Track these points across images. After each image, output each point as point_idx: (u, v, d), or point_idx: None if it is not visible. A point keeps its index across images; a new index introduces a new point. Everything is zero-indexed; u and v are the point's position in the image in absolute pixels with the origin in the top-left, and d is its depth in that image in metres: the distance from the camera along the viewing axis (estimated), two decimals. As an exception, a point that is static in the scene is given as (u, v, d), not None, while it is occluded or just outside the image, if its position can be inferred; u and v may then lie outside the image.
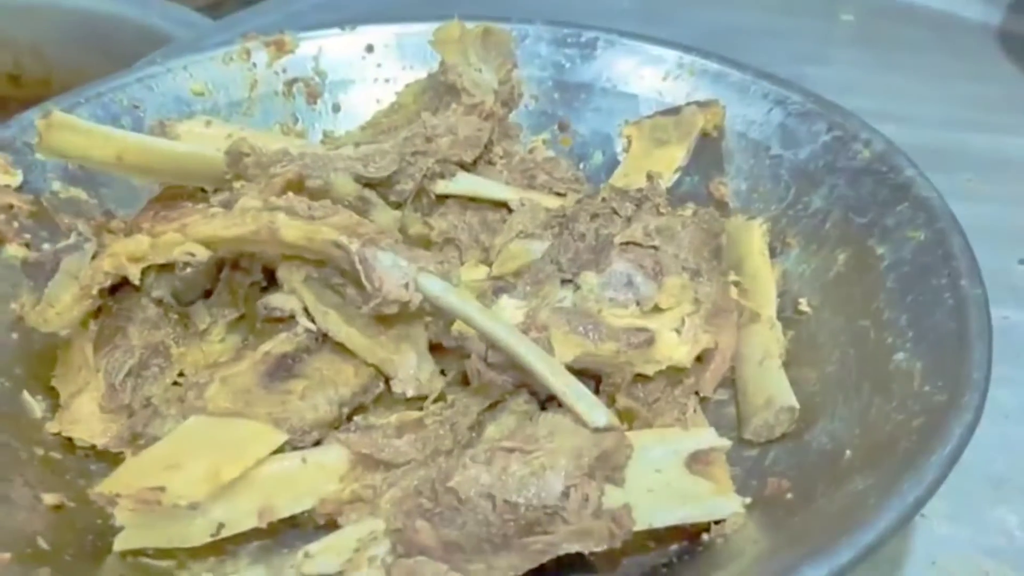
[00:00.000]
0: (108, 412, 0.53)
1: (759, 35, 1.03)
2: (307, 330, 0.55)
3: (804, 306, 0.60)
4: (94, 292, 0.54)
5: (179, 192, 0.62)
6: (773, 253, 0.63)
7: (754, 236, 0.63)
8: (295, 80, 0.76)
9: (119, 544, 0.48)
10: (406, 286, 0.51)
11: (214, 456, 0.48)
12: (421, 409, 0.53)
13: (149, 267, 0.55)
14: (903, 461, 0.43)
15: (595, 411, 0.48)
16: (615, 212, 0.56)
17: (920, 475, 0.41)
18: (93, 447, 0.53)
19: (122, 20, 1.16)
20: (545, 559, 0.46)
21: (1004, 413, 0.59)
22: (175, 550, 0.49)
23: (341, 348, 0.54)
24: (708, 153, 0.70)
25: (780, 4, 1.12)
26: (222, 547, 0.50)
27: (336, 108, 0.77)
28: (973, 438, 0.44)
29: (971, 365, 0.46)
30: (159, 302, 0.56)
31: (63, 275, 0.55)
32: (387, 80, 0.77)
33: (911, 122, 0.79)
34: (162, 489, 0.45)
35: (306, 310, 0.55)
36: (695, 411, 0.53)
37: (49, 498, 0.49)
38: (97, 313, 0.56)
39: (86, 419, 0.53)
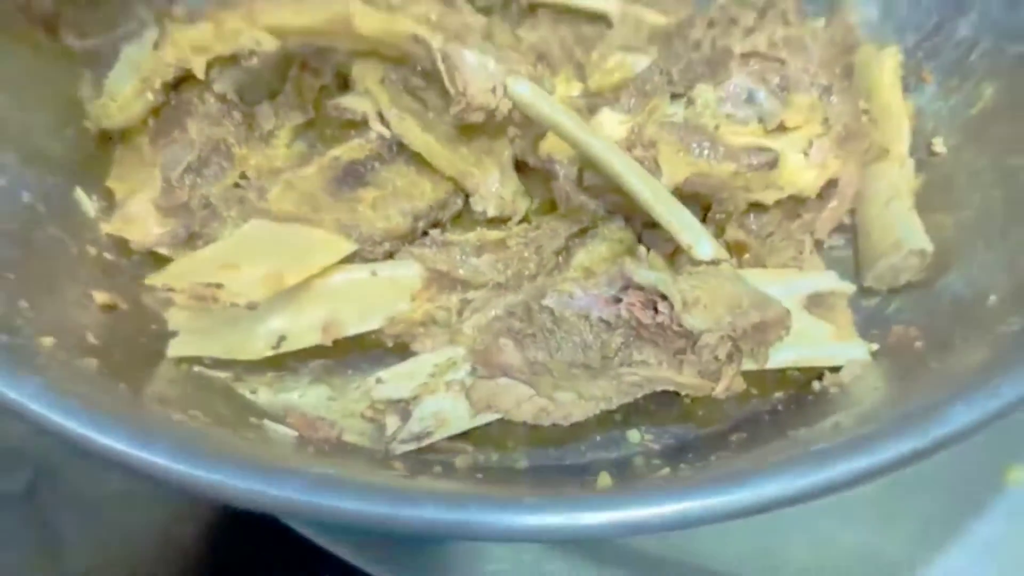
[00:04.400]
0: (164, 212, 0.48)
1: None
2: (380, 136, 0.50)
3: (939, 146, 0.52)
4: (157, 86, 0.50)
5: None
6: (906, 89, 0.56)
7: (885, 67, 0.55)
8: None
9: (173, 349, 0.45)
10: (493, 90, 0.45)
11: (276, 260, 0.43)
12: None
13: (213, 59, 0.49)
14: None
15: (702, 241, 0.43)
16: (733, 22, 0.49)
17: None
18: (150, 253, 0.49)
19: None
20: (639, 394, 0.42)
21: None
22: (232, 361, 0.45)
23: (417, 159, 0.49)
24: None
25: None
26: (283, 362, 0.46)
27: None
28: None
29: None
30: (222, 98, 0.51)
31: (124, 65, 0.51)
32: None
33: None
34: (219, 286, 0.41)
35: (381, 115, 0.49)
36: (811, 252, 0.47)
37: (100, 296, 0.45)
38: (159, 111, 0.51)
39: (141, 219, 0.49)
